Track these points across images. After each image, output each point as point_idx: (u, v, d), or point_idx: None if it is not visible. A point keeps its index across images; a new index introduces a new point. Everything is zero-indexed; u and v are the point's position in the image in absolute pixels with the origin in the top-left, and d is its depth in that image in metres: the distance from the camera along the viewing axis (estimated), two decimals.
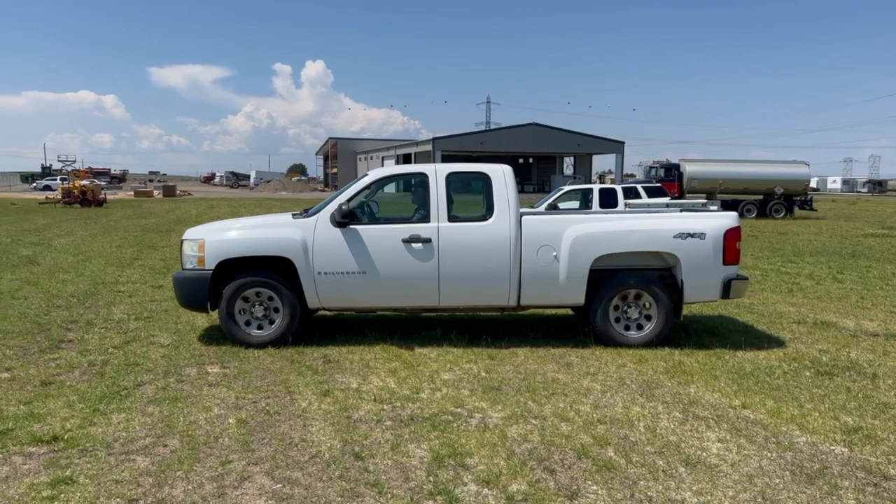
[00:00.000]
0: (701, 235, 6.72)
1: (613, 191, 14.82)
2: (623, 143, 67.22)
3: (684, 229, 6.75)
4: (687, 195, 30.64)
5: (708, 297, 6.95)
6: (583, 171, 71.16)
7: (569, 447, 4.35)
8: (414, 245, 6.74)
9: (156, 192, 57.55)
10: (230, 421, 4.76)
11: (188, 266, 6.91)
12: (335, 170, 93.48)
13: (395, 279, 6.76)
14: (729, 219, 6.92)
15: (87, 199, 36.85)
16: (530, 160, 77.96)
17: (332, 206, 6.83)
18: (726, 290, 6.82)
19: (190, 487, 3.75)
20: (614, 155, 67.70)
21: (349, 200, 6.86)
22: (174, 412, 4.92)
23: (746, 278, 7.07)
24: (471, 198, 7.19)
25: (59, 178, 67.83)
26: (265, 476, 3.92)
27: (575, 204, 14.54)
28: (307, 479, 3.89)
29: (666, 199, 17.22)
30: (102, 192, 40.62)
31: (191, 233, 7.10)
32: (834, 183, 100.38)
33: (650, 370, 6.09)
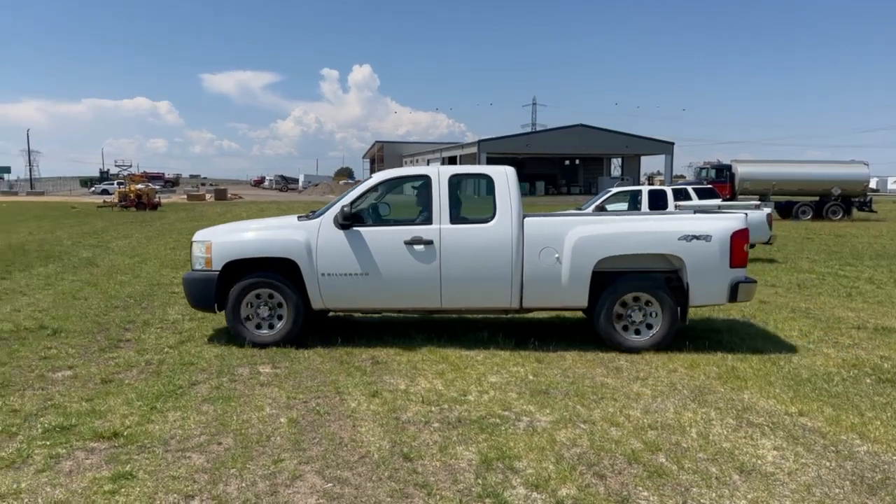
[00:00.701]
0: (707, 237, 6.59)
1: (663, 192, 14.58)
2: (672, 143, 66.21)
3: (689, 231, 6.63)
4: (739, 197, 29.96)
5: (715, 300, 6.85)
6: (631, 172, 70.24)
7: (619, 452, 4.30)
8: (416, 247, 6.76)
9: (208, 196, 58.96)
10: (282, 420, 4.85)
11: (197, 267, 7.08)
12: None
13: (398, 281, 6.80)
14: (736, 220, 6.78)
15: (143, 203, 38.03)
16: (577, 162, 77.35)
17: (336, 209, 6.90)
18: (734, 293, 6.68)
19: (244, 485, 3.83)
20: (663, 156, 66.73)
21: (352, 203, 6.92)
22: (228, 411, 5.03)
23: (755, 281, 6.92)
24: (475, 200, 7.19)
25: (115, 182, 70.14)
26: (316, 475, 3.97)
27: (623, 206, 14.34)
28: (357, 478, 3.93)
29: (717, 201, 16.87)
30: (157, 195, 41.87)
31: (200, 234, 7.27)
32: (895, 184, 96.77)
33: (702, 375, 5.98)
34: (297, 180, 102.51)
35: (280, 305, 6.97)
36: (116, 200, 39.68)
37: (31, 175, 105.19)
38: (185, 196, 60.45)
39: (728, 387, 5.66)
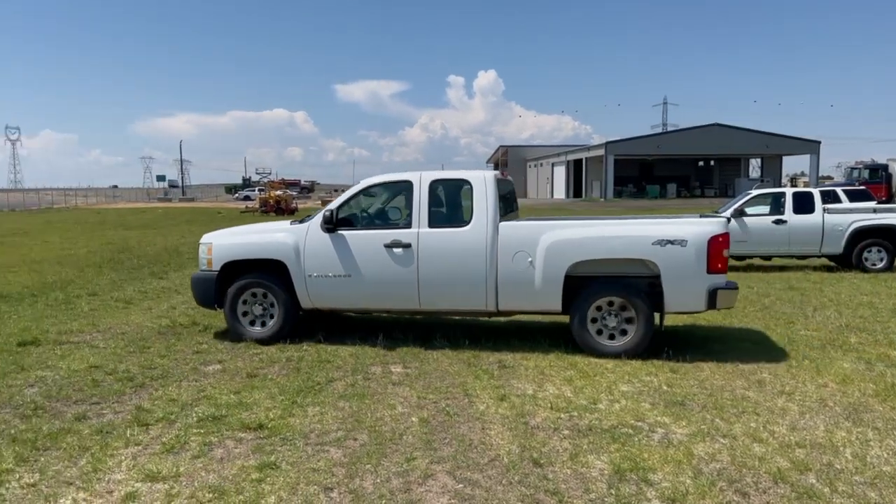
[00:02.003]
0: (682, 242, 6.42)
1: (809, 195, 13.56)
2: (818, 142, 61.69)
3: (664, 236, 6.46)
4: None
5: (691, 307, 6.63)
6: (771, 173, 66.15)
7: (763, 470, 4.06)
8: (395, 250, 6.99)
9: None
10: (413, 419, 4.96)
11: (202, 267, 7.62)
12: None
13: (378, 282, 7.05)
14: (714, 225, 6.56)
15: (281, 208, 40.35)
16: (711, 163, 73.80)
17: (326, 214, 7.20)
18: (712, 300, 6.45)
19: (378, 481, 3.96)
20: (808, 155, 62.31)
21: (338, 208, 7.21)
22: (362, 408, 5.21)
23: (735, 287, 6.60)
24: (455, 205, 7.31)
25: (256, 188, 74.71)
26: (447, 475, 4.03)
27: (765, 209, 13.49)
28: (487, 481, 3.95)
29: (871, 204, 15.51)
30: (294, 201, 44.20)
31: (205, 237, 7.81)
32: None
33: (857, 392, 5.52)
34: None
35: (272, 304, 7.37)
36: (257, 206, 42.30)
37: (182, 183, 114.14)
38: (320, 201, 63.32)
39: (888, 405, 5.19)
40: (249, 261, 7.45)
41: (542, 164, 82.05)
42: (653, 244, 6.48)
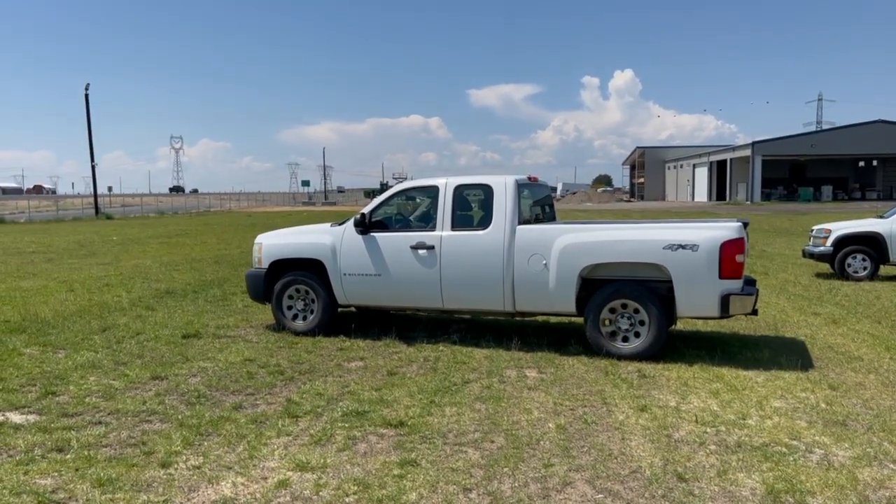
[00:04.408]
0: (693, 247, 6.37)
1: None
2: None
3: (675, 240, 6.45)
4: None
5: (704, 312, 6.60)
6: None
7: None
8: (420, 251, 7.34)
9: None
10: (550, 425, 4.92)
11: (255, 265, 8.29)
12: (642, 179, 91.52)
13: (404, 281, 7.45)
14: (727, 230, 6.44)
15: None
16: (874, 163, 67.71)
17: (357, 217, 7.62)
18: (725, 306, 6.35)
19: (516, 485, 3.95)
20: None
21: (372, 211, 7.68)
22: (498, 411, 5.23)
23: (752, 293, 6.45)
24: (477, 208, 7.54)
25: None
26: (586, 484, 3.96)
27: None
28: (629, 493, 3.84)
29: None
30: None
31: (258, 237, 8.50)
32: None
33: None
34: (555, 189, 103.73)
35: (313, 300, 7.94)
36: None
37: (325, 187, 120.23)
38: None
39: None
40: (293, 259, 8.04)
41: (681, 166, 78.80)
42: (664, 248, 6.48)
